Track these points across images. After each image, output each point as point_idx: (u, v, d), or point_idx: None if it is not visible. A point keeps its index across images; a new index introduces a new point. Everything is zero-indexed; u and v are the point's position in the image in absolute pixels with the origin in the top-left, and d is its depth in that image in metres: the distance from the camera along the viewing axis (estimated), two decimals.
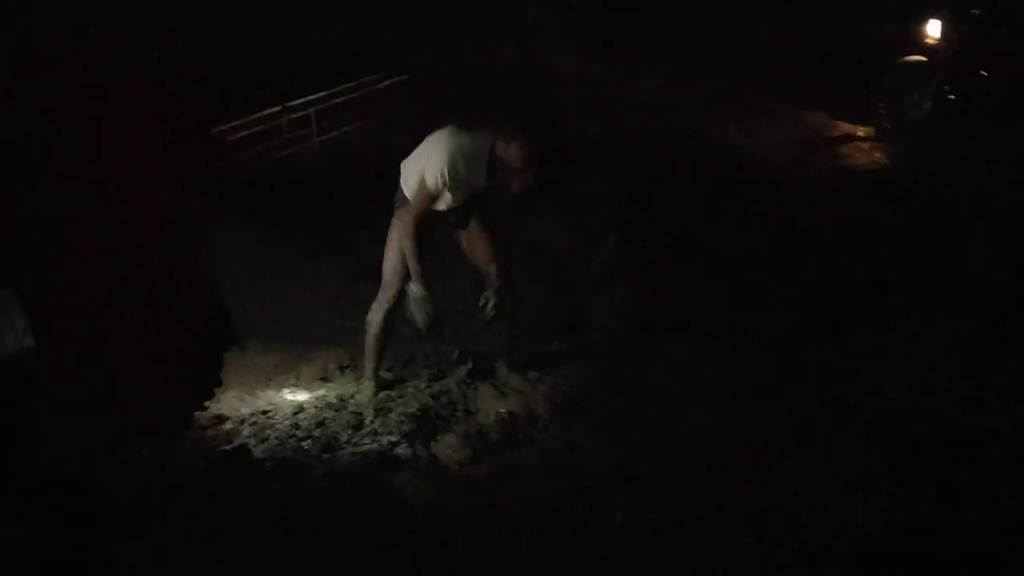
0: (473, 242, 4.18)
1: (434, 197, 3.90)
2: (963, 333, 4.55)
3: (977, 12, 7.14)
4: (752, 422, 3.95)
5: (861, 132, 8.55)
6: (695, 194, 6.14)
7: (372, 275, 5.29)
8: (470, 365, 4.47)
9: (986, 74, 7.13)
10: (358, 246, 5.66)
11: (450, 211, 4.03)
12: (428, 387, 4.37)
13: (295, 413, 4.15)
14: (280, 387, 4.45)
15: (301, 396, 4.35)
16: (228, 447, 3.81)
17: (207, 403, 3.56)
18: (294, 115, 7.96)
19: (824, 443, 3.77)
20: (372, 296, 5.15)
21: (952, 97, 7.39)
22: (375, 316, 4.25)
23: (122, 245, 2.93)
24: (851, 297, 4.97)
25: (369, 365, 4.33)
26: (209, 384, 3.40)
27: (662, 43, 10.63)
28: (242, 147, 7.44)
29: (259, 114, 7.65)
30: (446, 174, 3.83)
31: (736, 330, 4.68)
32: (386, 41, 9.62)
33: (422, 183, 3.89)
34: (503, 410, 4.12)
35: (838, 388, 4.14)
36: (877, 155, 7.96)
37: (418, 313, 4.01)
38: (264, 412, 4.16)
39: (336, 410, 4.18)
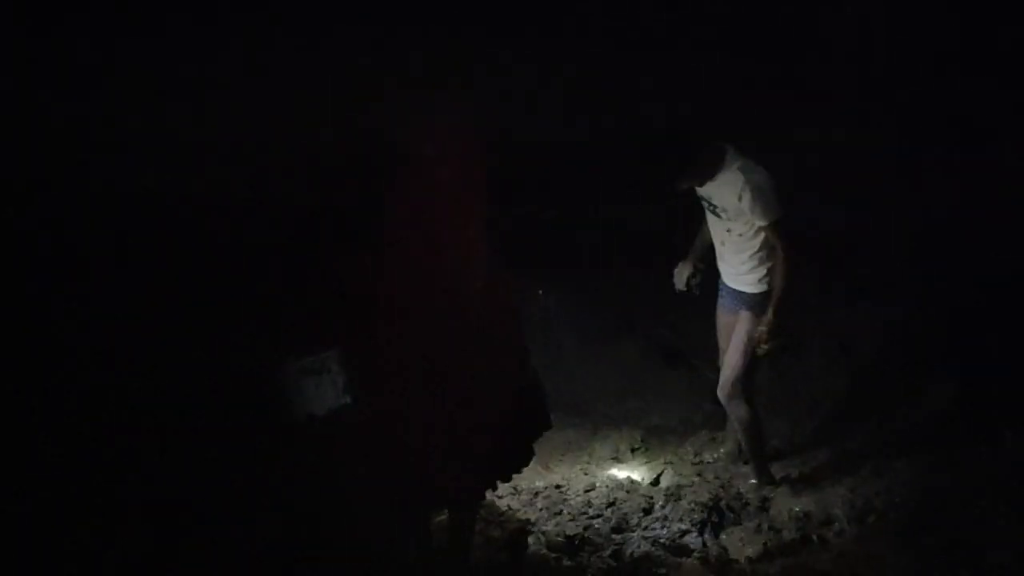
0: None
1: None
2: None
3: None
4: None
5: None
6: None
7: (668, 358, 5.40)
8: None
9: None
10: (656, 328, 5.71)
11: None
12: (718, 477, 4.33)
13: (587, 491, 4.26)
14: (573, 464, 4.59)
15: (593, 474, 4.46)
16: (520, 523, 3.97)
17: (513, 475, 3.74)
18: None
19: None
20: (666, 379, 5.21)
21: None
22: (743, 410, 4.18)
23: (440, 316, 3.15)
24: None
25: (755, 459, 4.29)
26: (518, 459, 3.54)
27: None
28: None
29: None
30: None
31: None
32: None
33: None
34: (798, 508, 4.00)
35: None
36: None
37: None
38: (557, 487, 4.30)
39: (627, 491, 4.25)
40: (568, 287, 6.14)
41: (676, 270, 4.21)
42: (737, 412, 4.13)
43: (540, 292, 5.50)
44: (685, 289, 4.19)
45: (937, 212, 5.59)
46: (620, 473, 4.48)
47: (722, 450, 4.48)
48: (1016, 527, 3.70)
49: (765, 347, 3.94)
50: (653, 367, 5.41)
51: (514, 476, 3.50)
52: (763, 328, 3.90)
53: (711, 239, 4.09)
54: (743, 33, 6.32)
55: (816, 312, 4.10)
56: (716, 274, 4.16)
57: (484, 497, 3.57)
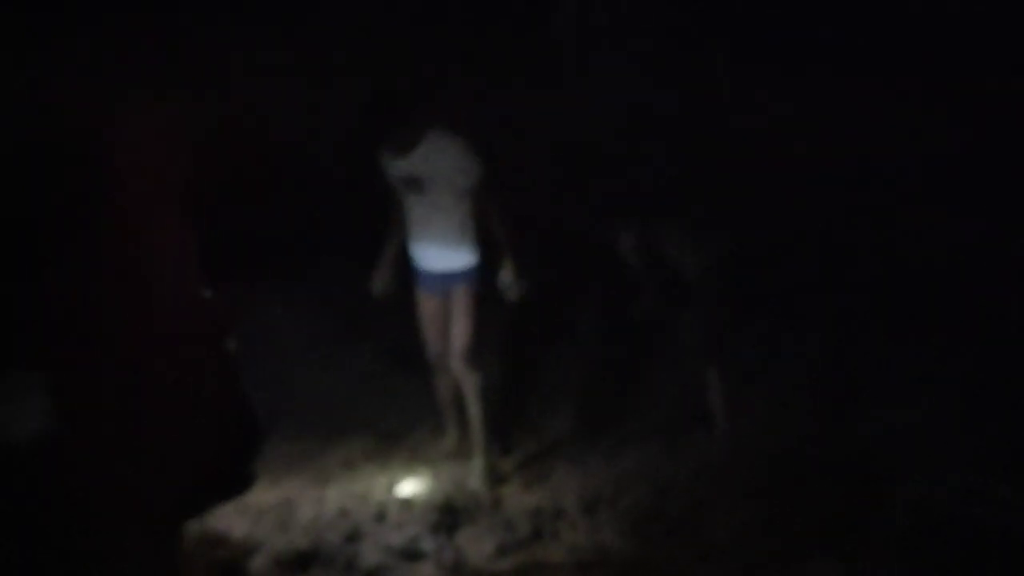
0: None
1: None
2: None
3: None
4: (786, 524, 3.83)
5: None
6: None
7: (399, 360, 5.30)
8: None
9: None
10: (388, 329, 5.60)
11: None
12: (451, 477, 4.29)
13: (318, 503, 4.09)
14: (303, 475, 4.39)
15: (325, 485, 4.29)
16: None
17: (234, 495, 3.50)
18: None
19: (863, 550, 3.63)
20: (399, 381, 5.12)
21: None
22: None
23: (149, 332, 2.93)
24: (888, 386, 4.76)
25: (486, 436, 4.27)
26: (226, 483, 3.35)
27: None
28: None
29: None
30: None
31: (770, 421, 4.57)
32: None
33: None
34: (530, 503, 4.04)
35: (877, 489, 3.99)
36: None
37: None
38: (287, 501, 4.10)
39: (360, 499, 4.12)
40: (297, 294, 5.93)
41: (373, 277, 4.21)
42: (472, 380, 4.16)
43: (253, 304, 5.26)
44: (383, 295, 4.22)
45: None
46: (353, 481, 4.34)
47: (447, 445, 4.47)
48: (731, 508, 3.93)
49: (515, 292, 4.02)
50: (386, 370, 5.31)
51: (226, 501, 3.31)
52: (508, 276, 3.99)
53: (405, 235, 4.09)
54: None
55: (550, 304, 4.19)
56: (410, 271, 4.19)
57: (184, 522, 3.34)
